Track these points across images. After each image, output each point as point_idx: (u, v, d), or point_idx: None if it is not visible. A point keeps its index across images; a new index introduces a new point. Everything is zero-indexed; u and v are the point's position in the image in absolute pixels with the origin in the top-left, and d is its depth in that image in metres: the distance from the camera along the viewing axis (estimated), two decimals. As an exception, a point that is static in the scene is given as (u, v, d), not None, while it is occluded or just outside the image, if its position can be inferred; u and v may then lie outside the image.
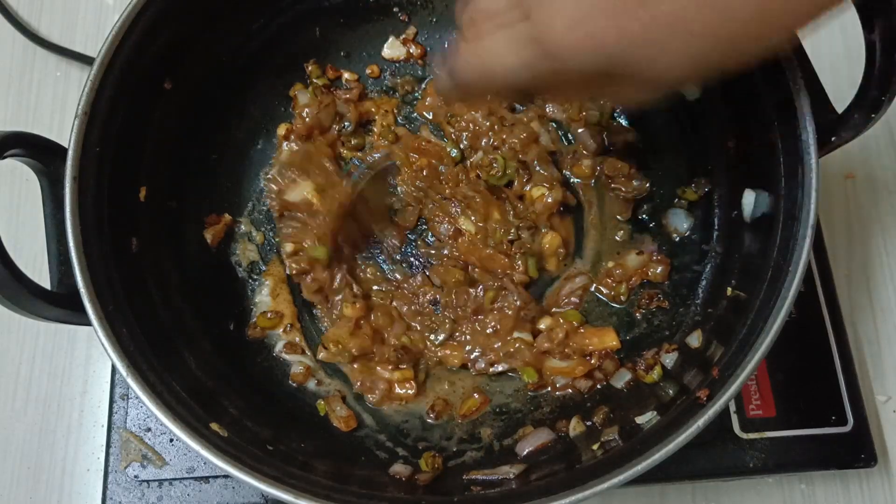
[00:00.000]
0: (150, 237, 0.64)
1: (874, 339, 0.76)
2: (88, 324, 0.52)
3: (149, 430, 0.67)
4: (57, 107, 0.86)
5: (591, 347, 0.67)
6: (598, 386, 0.67)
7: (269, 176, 0.71)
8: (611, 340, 0.67)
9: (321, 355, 0.68)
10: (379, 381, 0.67)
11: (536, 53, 0.42)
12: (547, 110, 0.77)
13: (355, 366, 0.68)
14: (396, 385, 0.67)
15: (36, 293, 0.52)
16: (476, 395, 0.67)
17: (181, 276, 0.67)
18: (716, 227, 0.70)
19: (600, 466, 0.52)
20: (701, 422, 0.50)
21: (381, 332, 0.69)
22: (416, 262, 0.73)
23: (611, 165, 0.73)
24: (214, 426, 0.54)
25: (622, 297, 0.71)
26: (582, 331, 0.69)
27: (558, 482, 0.52)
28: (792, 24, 0.42)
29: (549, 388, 0.67)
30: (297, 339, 0.70)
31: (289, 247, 0.70)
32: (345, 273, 0.70)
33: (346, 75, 0.79)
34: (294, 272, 0.70)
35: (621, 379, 0.66)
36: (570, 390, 0.67)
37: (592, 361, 0.67)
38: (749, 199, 0.63)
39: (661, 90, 0.46)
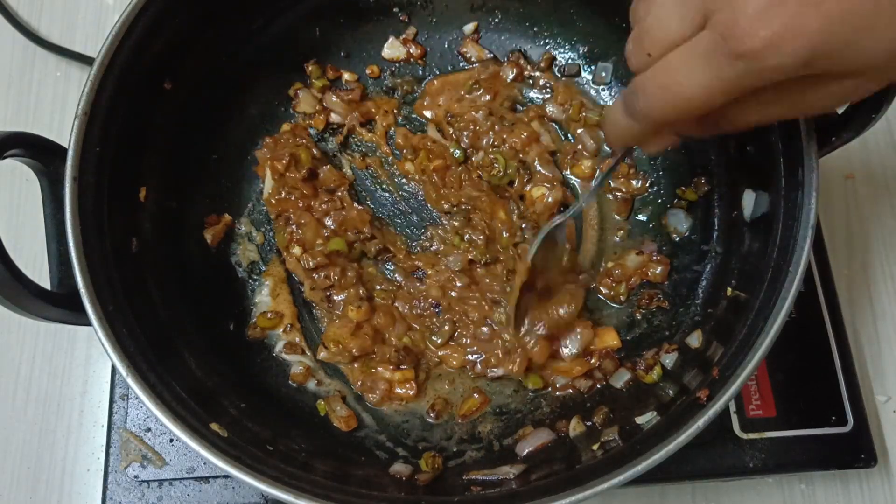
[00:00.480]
0: (150, 237, 0.64)
1: (874, 339, 0.76)
2: (88, 324, 0.52)
3: (149, 430, 0.67)
4: (57, 107, 0.86)
5: (591, 346, 0.67)
6: (598, 386, 0.67)
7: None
8: (611, 339, 0.68)
9: (321, 355, 0.68)
10: (379, 381, 0.67)
11: (728, 62, 0.37)
12: (547, 110, 0.77)
13: (355, 366, 0.68)
14: (397, 385, 0.67)
15: (36, 293, 0.52)
16: (476, 396, 0.67)
17: (181, 276, 0.67)
18: (716, 228, 0.70)
19: (600, 466, 0.52)
20: (701, 422, 0.50)
21: (381, 332, 0.69)
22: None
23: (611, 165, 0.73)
24: (214, 426, 0.54)
25: (622, 297, 0.71)
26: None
27: (558, 482, 0.52)
28: None
29: (550, 389, 0.67)
30: (297, 339, 0.70)
31: (297, 249, 0.70)
32: (357, 270, 0.70)
33: (346, 75, 0.79)
34: (311, 267, 0.69)
35: (621, 379, 0.66)
36: (570, 390, 0.67)
37: (592, 361, 0.67)
38: (749, 199, 0.63)
39: (878, 82, 0.39)
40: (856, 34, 0.34)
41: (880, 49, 0.36)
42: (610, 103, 0.77)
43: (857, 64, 0.36)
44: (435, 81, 0.79)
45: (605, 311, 0.71)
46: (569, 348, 0.67)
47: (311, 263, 0.69)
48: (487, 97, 0.77)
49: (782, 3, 0.34)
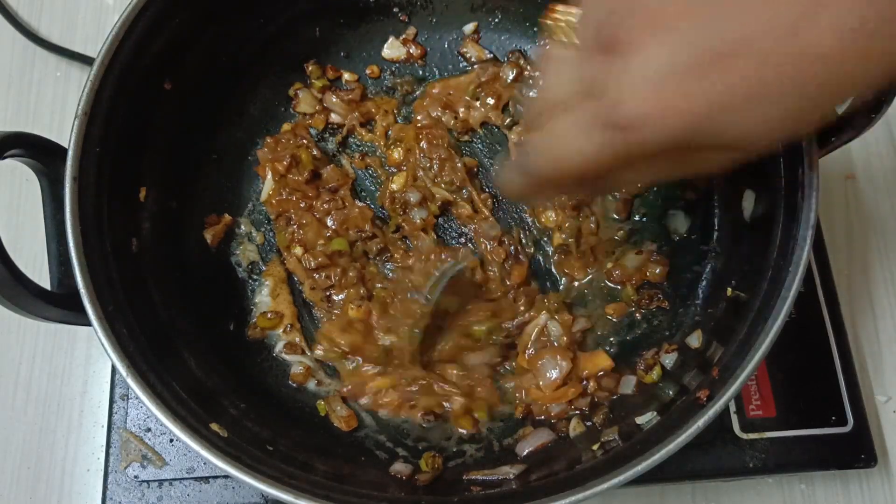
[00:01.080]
0: (150, 237, 0.64)
1: (874, 339, 0.76)
2: (88, 324, 0.52)
3: (149, 430, 0.67)
4: (57, 107, 0.86)
5: (585, 372, 0.66)
6: (603, 402, 0.65)
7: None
8: (602, 362, 0.66)
9: (316, 353, 0.68)
10: (366, 385, 0.67)
11: (609, 132, 0.39)
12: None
13: (349, 367, 0.68)
14: (383, 394, 0.67)
15: (36, 293, 0.52)
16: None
17: (181, 276, 0.67)
18: (716, 228, 0.70)
19: (600, 466, 0.52)
20: (701, 422, 0.50)
21: (373, 330, 0.68)
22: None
23: (611, 165, 0.73)
24: (214, 426, 0.54)
25: (632, 299, 0.70)
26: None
27: (558, 482, 0.52)
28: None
29: (544, 417, 0.66)
30: (297, 339, 0.70)
31: (298, 249, 0.70)
32: (358, 270, 0.70)
33: (346, 76, 0.79)
34: (313, 267, 0.69)
35: (629, 385, 0.65)
36: (573, 410, 0.65)
37: (591, 386, 0.66)
38: (749, 199, 0.63)
39: (748, 154, 0.41)
40: (731, 116, 0.36)
41: (752, 131, 0.38)
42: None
43: (732, 141, 0.38)
44: (436, 85, 0.78)
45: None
46: (550, 375, 0.66)
47: (312, 263, 0.69)
48: (491, 100, 0.77)
49: (664, 82, 0.36)
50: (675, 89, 0.36)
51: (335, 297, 0.70)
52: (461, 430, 0.65)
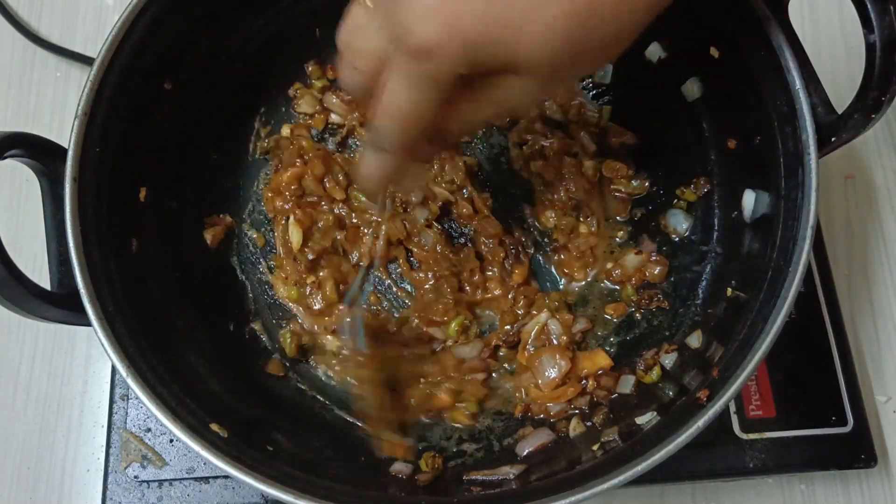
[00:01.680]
0: (150, 237, 0.63)
1: (874, 339, 0.76)
2: (88, 324, 0.52)
3: (149, 430, 0.67)
4: (57, 107, 0.86)
5: (584, 371, 0.67)
6: (602, 402, 0.65)
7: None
8: (602, 361, 0.67)
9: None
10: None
11: (414, 66, 0.41)
12: (547, 112, 0.77)
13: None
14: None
15: (36, 293, 0.52)
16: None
17: (181, 277, 0.67)
18: (715, 228, 0.70)
19: (600, 467, 0.52)
20: (701, 422, 0.50)
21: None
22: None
23: (609, 166, 0.73)
24: (214, 426, 0.54)
25: (632, 299, 0.70)
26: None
27: (558, 482, 0.52)
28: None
29: (543, 416, 0.66)
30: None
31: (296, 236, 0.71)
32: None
33: (346, 76, 0.78)
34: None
35: (627, 385, 0.65)
36: (571, 409, 0.66)
37: (590, 384, 0.66)
38: (749, 199, 0.63)
39: (542, 80, 0.44)
40: (510, 32, 0.39)
41: (535, 52, 0.40)
42: (611, 104, 0.77)
43: (514, 60, 0.41)
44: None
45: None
46: (549, 374, 0.66)
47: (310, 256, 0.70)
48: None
49: (440, 6, 0.39)
50: (453, 7, 0.39)
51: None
52: (458, 425, 0.66)
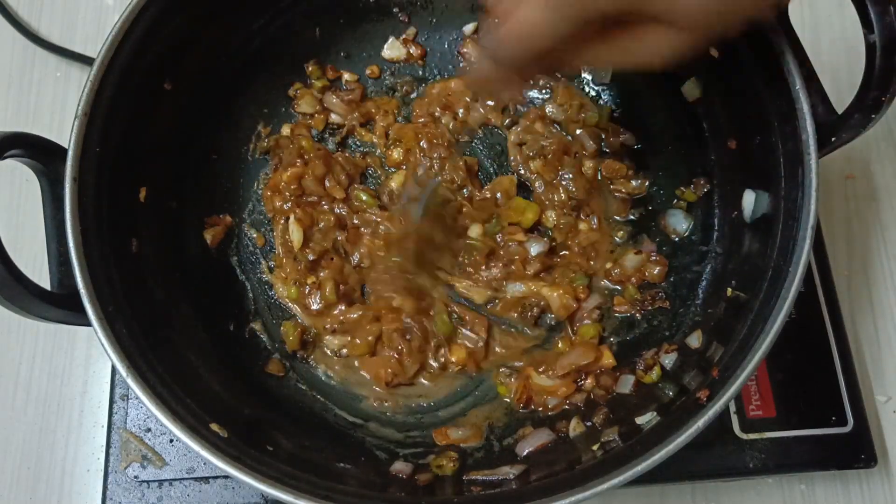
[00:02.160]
0: (150, 238, 0.64)
1: (874, 339, 0.76)
2: (88, 324, 0.52)
3: (149, 430, 0.67)
4: (57, 107, 0.86)
5: (586, 367, 0.66)
6: (599, 401, 0.66)
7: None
8: (605, 359, 0.67)
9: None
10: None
11: None
12: (547, 111, 0.77)
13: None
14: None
15: (36, 293, 0.52)
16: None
17: (181, 277, 0.67)
18: (715, 228, 0.70)
19: (600, 467, 0.52)
20: (701, 422, 0.50)
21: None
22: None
23: (609, 166, 0.74)
24: (214, 426, 0.54)
25: (635, 298, 0.71)
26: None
27: (558, 482, 0.52)
28: None
29: (542, 409, 0.66)
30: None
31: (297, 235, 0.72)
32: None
33: (346, 76, 0.79)
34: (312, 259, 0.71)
35: (626, 385, 0.65)
36: (566, 406, 0.66)
37: (589, 381, 0.66)
38: (749, 199, 0.63)
39: (690, 33, 0.44)
40: None
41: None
42: (610, 104, 0.77)
43: (672, 7, 0.42)
44: (435, 86, 0.78)
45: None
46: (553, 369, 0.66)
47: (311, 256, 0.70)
48: (491, 102, 0.77)
49: None
50: None
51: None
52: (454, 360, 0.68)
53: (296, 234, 0.71)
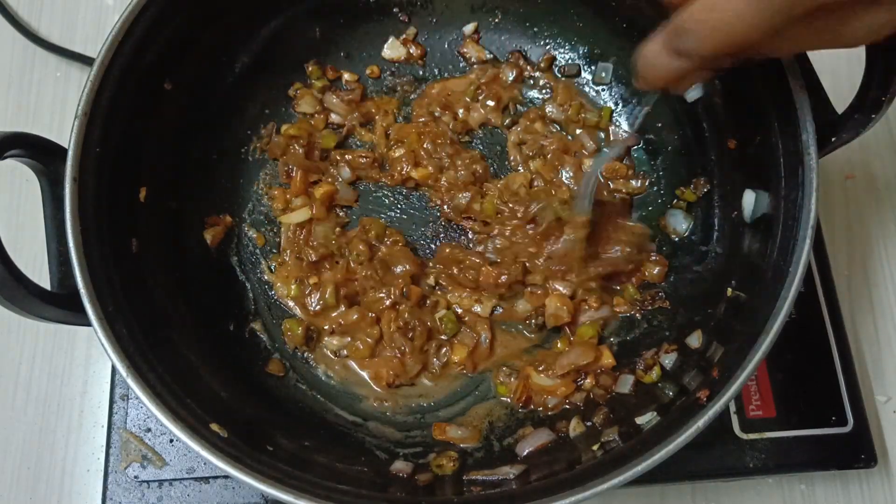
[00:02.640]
0: (150, 237, 0.64)
1: (874, 339, 0.76)
2: (88, 324, 0.52)
3: (149, 430, 0.67)
4: (57, 107, 0.86)
5: (586, 366, 0.67)
6: (598, 400, 0.66)
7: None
8: (605, 359, 0.67)
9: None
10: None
11: None
12: (547, 111, 0.77)
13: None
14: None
15: (36, 293, 0.52)
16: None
17: (181, 277, 0.67)
18: (715, 228, 0.70)
19: (600, 467, 0.52)
20: (701, 422, 0.50)
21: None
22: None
23: (609, 166, 0.74)
24: (214, 426, 0.54)
25: (635, 297, 0.71)
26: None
27: (558, 482, 0.52)
28: None
29: (542, 409, 0.66)
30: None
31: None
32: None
33: (346, 76, 0.79)
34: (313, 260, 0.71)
35: (626, 384, 0.65)
36: (566, 406, 0.66)
37: (588, 381, 0.66)
38: (749, 199, 0.63)
39: None
40: None
41: None
42: (610, 104, 0.77)
43: None
44: (435, 85, 0.78)
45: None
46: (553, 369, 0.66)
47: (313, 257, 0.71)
48: (491, 102, 0.77)
49: None
50: None
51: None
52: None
53: (302, 213, 0.72)
